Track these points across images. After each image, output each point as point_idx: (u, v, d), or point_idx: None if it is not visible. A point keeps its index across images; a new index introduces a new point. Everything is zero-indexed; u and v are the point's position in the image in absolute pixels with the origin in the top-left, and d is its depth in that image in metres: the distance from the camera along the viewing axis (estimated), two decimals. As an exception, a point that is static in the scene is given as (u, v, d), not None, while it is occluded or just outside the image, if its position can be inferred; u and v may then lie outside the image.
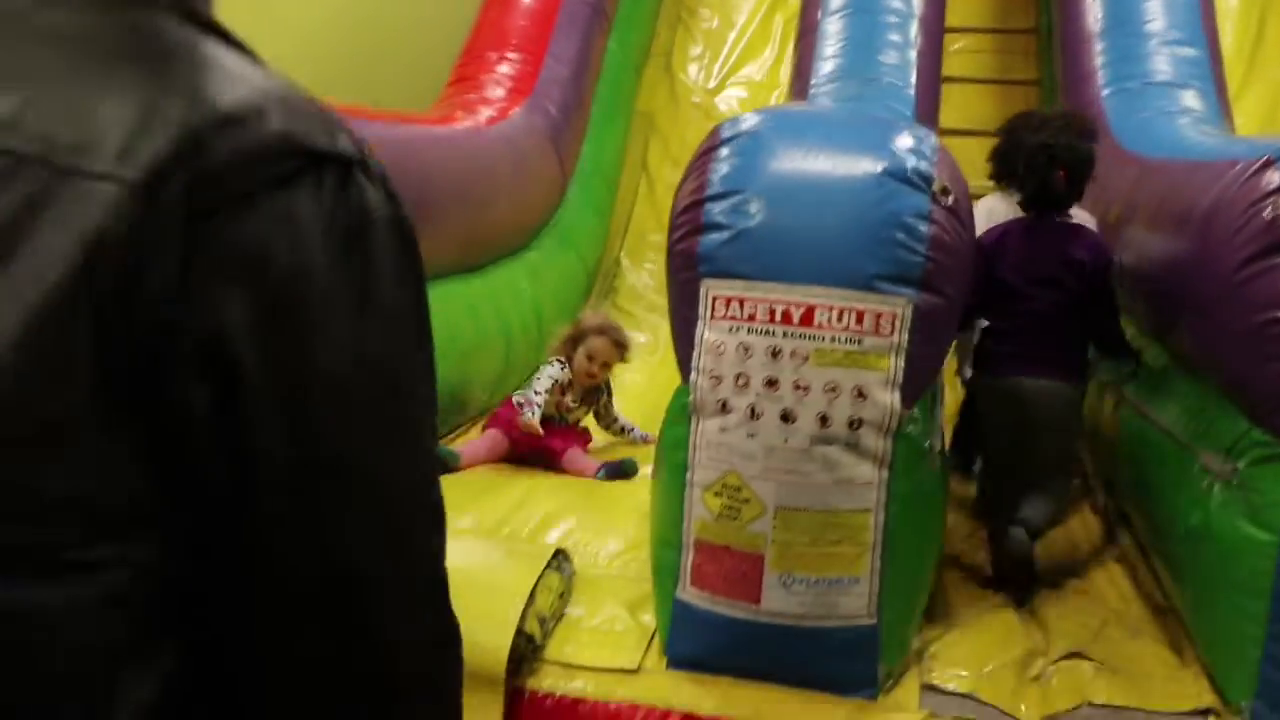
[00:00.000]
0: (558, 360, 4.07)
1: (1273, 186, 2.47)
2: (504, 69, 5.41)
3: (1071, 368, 3.29)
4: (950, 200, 2.43)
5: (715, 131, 2.63)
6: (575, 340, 4.07)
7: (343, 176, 0.79)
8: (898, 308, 2.38)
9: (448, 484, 0.91)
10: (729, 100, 6.36)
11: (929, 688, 2.66)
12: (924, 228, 2.39)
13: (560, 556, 2.86)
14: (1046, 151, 3.21)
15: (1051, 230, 3.30)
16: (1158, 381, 3.33)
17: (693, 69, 6.60)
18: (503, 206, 4.81)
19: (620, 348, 4.11)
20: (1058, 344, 3.24)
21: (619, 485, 3.68)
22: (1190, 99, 4.43)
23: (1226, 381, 2.70)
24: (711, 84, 6.52)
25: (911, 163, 2.43)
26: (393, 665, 0.85)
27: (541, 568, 2.74)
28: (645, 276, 5.68)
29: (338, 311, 0.78)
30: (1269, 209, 2.44)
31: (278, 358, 0.75)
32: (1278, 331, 2.41)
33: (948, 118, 5.40)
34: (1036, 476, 3.23)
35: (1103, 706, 2.60)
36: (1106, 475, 3.91)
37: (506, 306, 4.74)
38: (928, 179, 2.42)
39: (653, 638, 2.72)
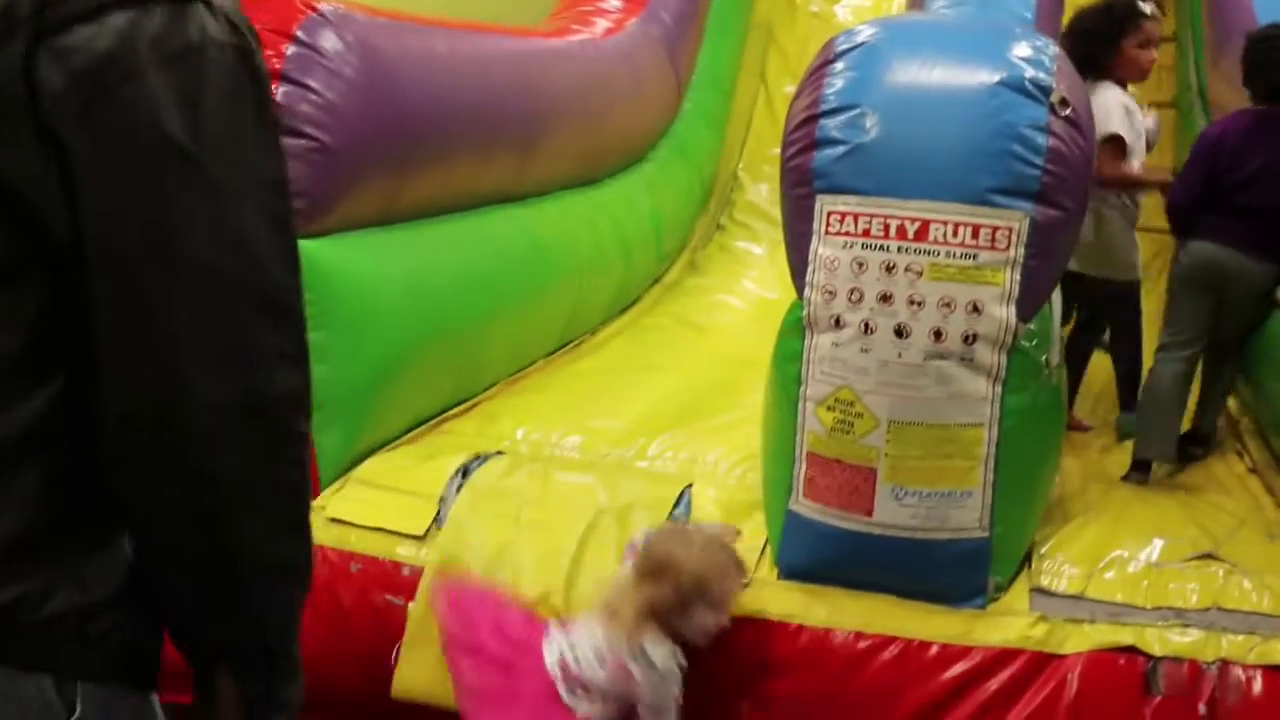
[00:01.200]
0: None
1: None
2: (619, -20, 5.39)
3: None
4: (1069, 111, 2.38)
5: (829, 45, 2.61)
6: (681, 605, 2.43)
7: (182, 6, 0.99)
8: (1014, 222, 2.36)
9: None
10: (847, 10, 6.22)
11: (1039, 590, 2.66)
12: (1041, 139, 2.35)
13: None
14: None
15: None
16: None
17: (810, -23, 6.46)
18: (619, 119, 4.84)
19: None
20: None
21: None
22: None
23: None
24: (829, -7, 6.38)
25: (1029, 73, 2.39)
26: (197, 420, 1.04)
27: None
28: (764, 190, 5.65)
29: (159, 105, 0.98)
30: None
31: (104, 135, 0.97)
32: None
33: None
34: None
35: (1233, 612, 2.56)
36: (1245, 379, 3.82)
37: (624, 219, 4.79)
38: (1046, 90, 2.37)
39: (764, 549, 2.78)
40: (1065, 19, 4.25)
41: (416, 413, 3.32)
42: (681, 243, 5.35)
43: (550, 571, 2.68)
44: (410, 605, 2.71)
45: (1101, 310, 3.83)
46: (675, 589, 2.38)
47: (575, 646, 2.37)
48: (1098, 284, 3.65)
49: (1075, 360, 3.75)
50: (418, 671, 2.67)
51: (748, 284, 4.88)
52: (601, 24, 5.12)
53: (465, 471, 2.96)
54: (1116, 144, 3.57)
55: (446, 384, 3.45)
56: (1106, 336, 3.97)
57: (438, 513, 2.85)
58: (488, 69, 3.80)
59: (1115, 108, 3.60)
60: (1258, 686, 2.44)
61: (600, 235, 4.53)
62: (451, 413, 3.47)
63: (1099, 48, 3.65)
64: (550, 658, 2.37)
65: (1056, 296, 2.80)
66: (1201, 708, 2.44)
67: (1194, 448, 3.65)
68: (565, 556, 2.70)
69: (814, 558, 2.67)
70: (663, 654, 2.37)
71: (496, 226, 3.85)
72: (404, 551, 2.78)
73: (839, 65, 2.51)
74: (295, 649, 1.24)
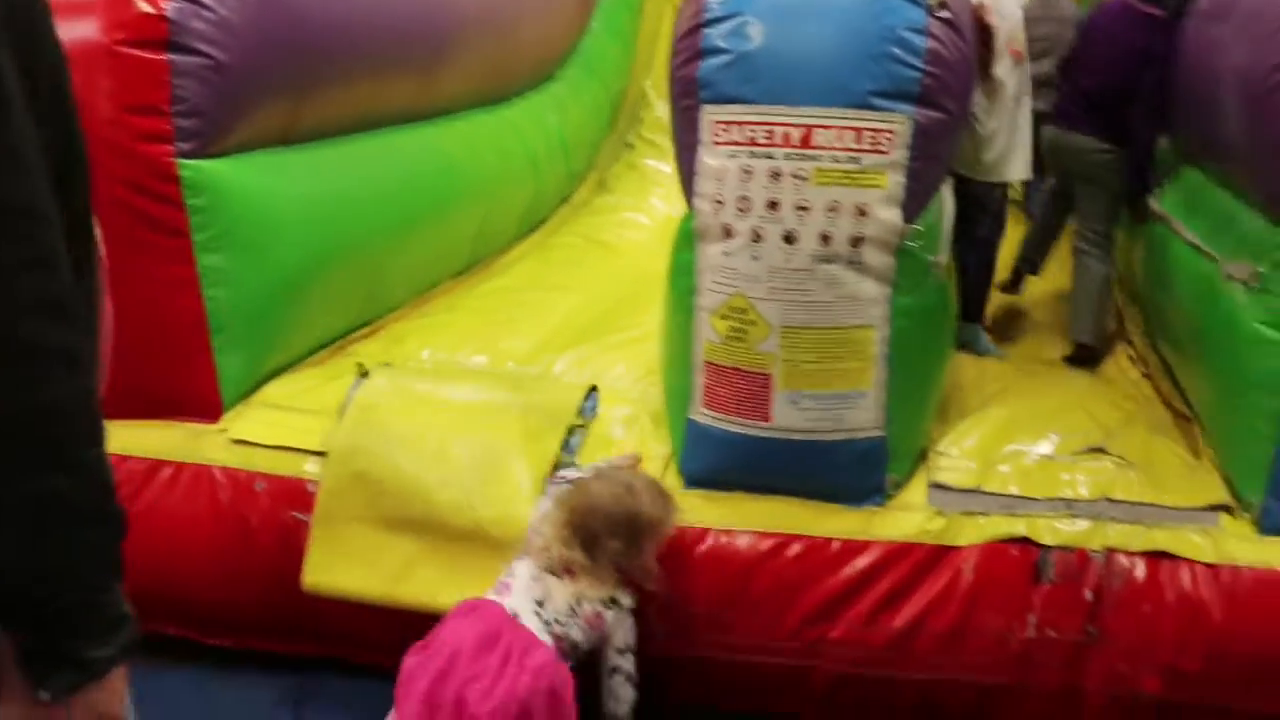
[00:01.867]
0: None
1: None
2: (526, -106, 5.29)
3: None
4: (946, 13, 2.41)
5: (713, -47, 2.59)
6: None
7: None
8: (895, 124, 2.39)
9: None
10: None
11: (937, 486, 2.75)
12: (920, 41, 2.38)
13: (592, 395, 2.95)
14: None
15: None
16: (1188, 199, 3.33)
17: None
18: (526, 36, 4.78)
19: None
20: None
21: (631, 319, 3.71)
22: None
23: (1258, 184, 2.72)
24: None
25: (907, -22, 2.41)
26: None
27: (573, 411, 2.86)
28: (672, 107, 5.63)
29: None
30: None
31: None
32: None
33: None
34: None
35: (1120, 502, 2.68)
36: (1130, 290, 3.94)
37: (532, 138, 4.76)
38: (924, -8, 2.39)
39: (669, 461, 2.82)
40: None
41: (321, 335, 3.31)
42: (590, 162, 5.34)
43: (457, 480, 2.71)
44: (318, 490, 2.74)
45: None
46: (632, 539, 2.46)
47: (544, 605, 2.40)
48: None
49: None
50: (326, 557, 2.70)
51: (655, 201, 4.89)
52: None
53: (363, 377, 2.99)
54: None
55: (352, 305, 3.44)
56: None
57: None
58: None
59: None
60: (1140, 572, 2.56)
61: (508, 154, 4.50)
62: (357, 334, 3.47)
63: None
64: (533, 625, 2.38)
65: (949, 197, 2.86)
66: (1088, 594, 2.55)
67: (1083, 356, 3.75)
68: (472, 463, 2.73)
69: (716, 465, 2.73)
70: (630, 598, 2.49)
71: (402, 145, 3.81)
72: (310, 468, 2.79)
73: (723, -27, 2.50)
74: (99, 597, 1.09)
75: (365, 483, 2.73)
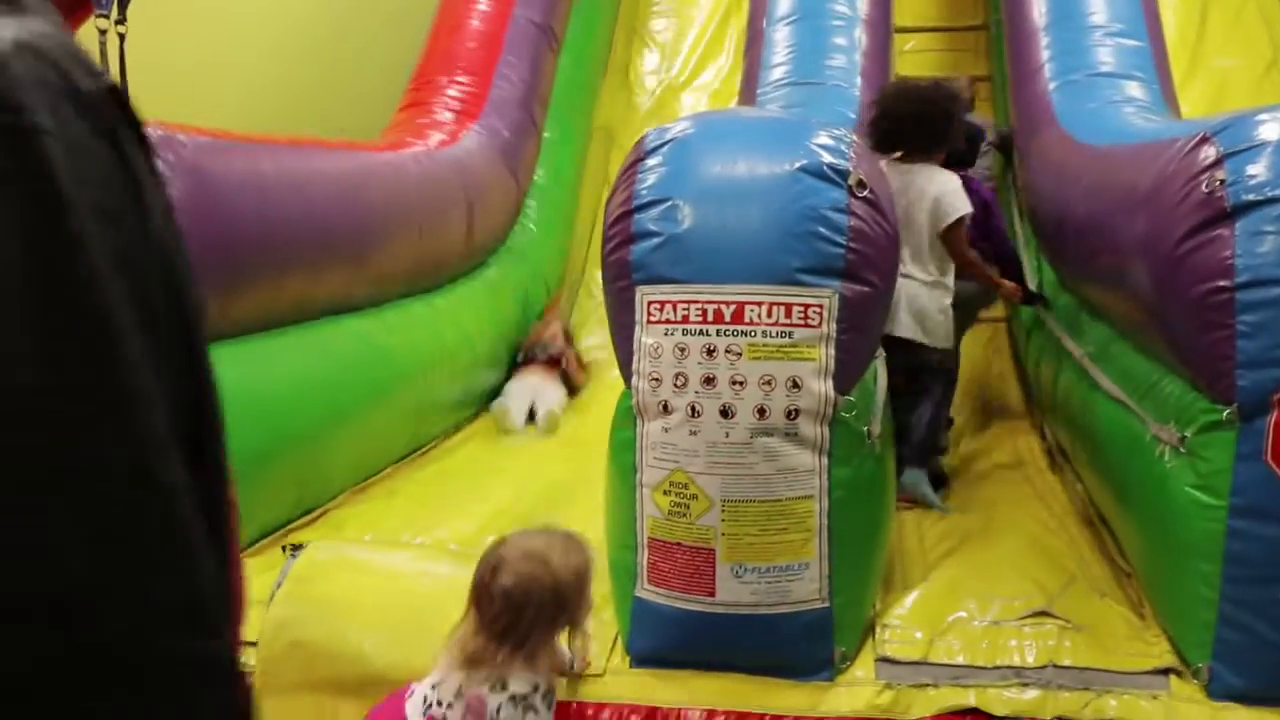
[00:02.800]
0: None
1: (1209, 161, 2.55)
2: (454, 92, 5.52)
3: None
4: (867, 193, 2.52)
5: (641, 142, 2.72)
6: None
7: None
8: (824, 299, 2.47)
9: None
10: (687, 109, 6.46)
11: (884, 659, 2.72)
12: (843, 220, 2.48)
13: None
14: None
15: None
16: (1107, 353, 3.42)
17: (650, 81, 6.71)
18: (456, 228, 4.91)
19: None
20: None
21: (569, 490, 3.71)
22: (1134, 89, 4.53)
23: (1173, 351, 2.78)
24: (669, 93, 6.62)
25: (828, 159, 2.52)
26: None
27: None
28: (612, 289, 5.75)
29: None
30: (1205, 183, 2.53)
31: None
32: (1217, 301, 2.49)
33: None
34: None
35: (1068, 668, 2.67)
36: (1055, 439, 4.01)
37: (468, 324, 4.83)
38: (844, 173, 2.51)
39: (615, 639, 2.79)
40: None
41: (259, 525, 3.28)
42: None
43: (397, 641, 2.66)
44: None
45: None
46: (557, 600, 2.31)
47: (437, 689, 2.27)
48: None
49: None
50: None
51: (600, 386, 4.97)
52: (436, 136, 5.21)
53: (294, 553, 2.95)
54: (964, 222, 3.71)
55: (289, 494, 3.42)
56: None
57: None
58: (316, 186, 3.84)
59: (960, 188, 3.73)
60: (1091, 739, 2.53)
61: (444, 341, 4.55)
62: (297, 523, 3.43)
63: (936, 131, 3.74)
64: (413, 709, 2.27)
65: (881, 368, 2.92)
66: (1042, 760, 2.51)
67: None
68: (413, 624, 2.68)
69: (663, 642, 2.70)
70: (524, 682, 2.27)
71: (334, 336, 3.86)
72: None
73: (651, 161, 2.62)
74: None
75: (302, 650, 2.68)
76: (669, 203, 2.53)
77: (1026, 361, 4.61)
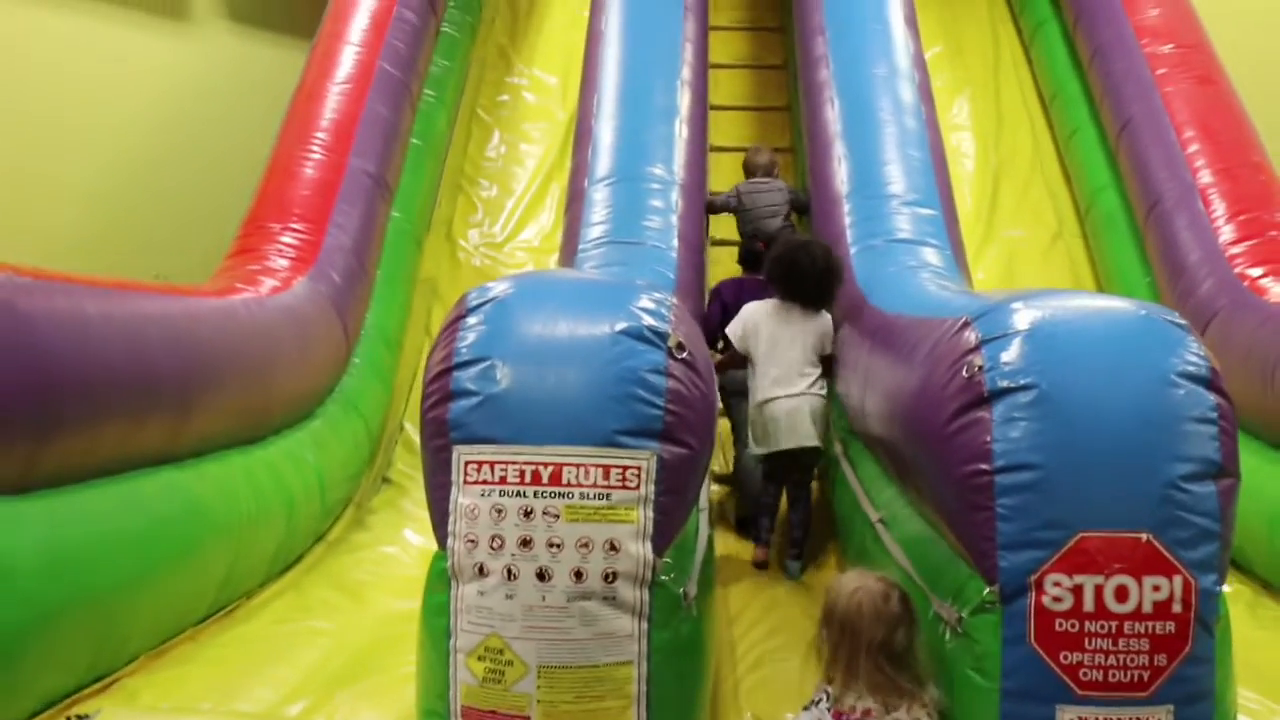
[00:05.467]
0: None
1: (969, 346, 2.68)
2: (287, 239, 5.45)
3: None
4: (686, 355, 2.57)
5: (463, 300, 2.73)
6: None
7: None
8: (641, 461, 2.49)
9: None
10: (508, 264, 6.54)
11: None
12: (661, 382, 2.52)
13: None
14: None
15: None
16: (899, 521, 3.51)
17: (473, 235, 6.78)
18: (284, 377, 4.79)
19: None
20: None
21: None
22: (929, 255, 4.78)
23: (947, 528, 2.84)
24: (492, 249, 6.69)
25: (648, 321, 2.58)
26: None
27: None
28: (431, 441, 5.68)
29: None
30: (965, 367, 2.65)
31: None
32: (978, 483, 2.56)
33: (716, 274, 5.72)
34: None
35: None
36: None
37: (289, 477, 4.67)
38: (663, 336, 2.57)
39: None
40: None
41: (43, 694, 3.05)
42: (347, 497, 5.27)
43: None
44: None
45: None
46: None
47: None
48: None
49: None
50: None
51: (411, 537, 4.86)
52: (269, 283, 5.11)
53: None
54: None
55: (82, 659, 3.20)
56: None
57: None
58: (142, 330, 3.70)
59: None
60: None
61: (263, 495, 4.39)
62: (87, 690, 3.21)
63: (833, 283, 4.58)
64: None
65: (703, 523, 2.94)
66: None
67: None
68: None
69: (476, 815, 2.59)
70: None
71: (148, 489, 3.68)
72: None
73: (471, 319, 2.63)
74: None
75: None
76: (488, 362, 2.54)
77: (836, 506, 4.71)
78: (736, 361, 4.69)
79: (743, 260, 5.49)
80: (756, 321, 4.62)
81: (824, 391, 4.61)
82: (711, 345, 4.75)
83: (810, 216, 5.73)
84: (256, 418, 4.58)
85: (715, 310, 5.15)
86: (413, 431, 5.80)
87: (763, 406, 4.55)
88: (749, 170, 5.99)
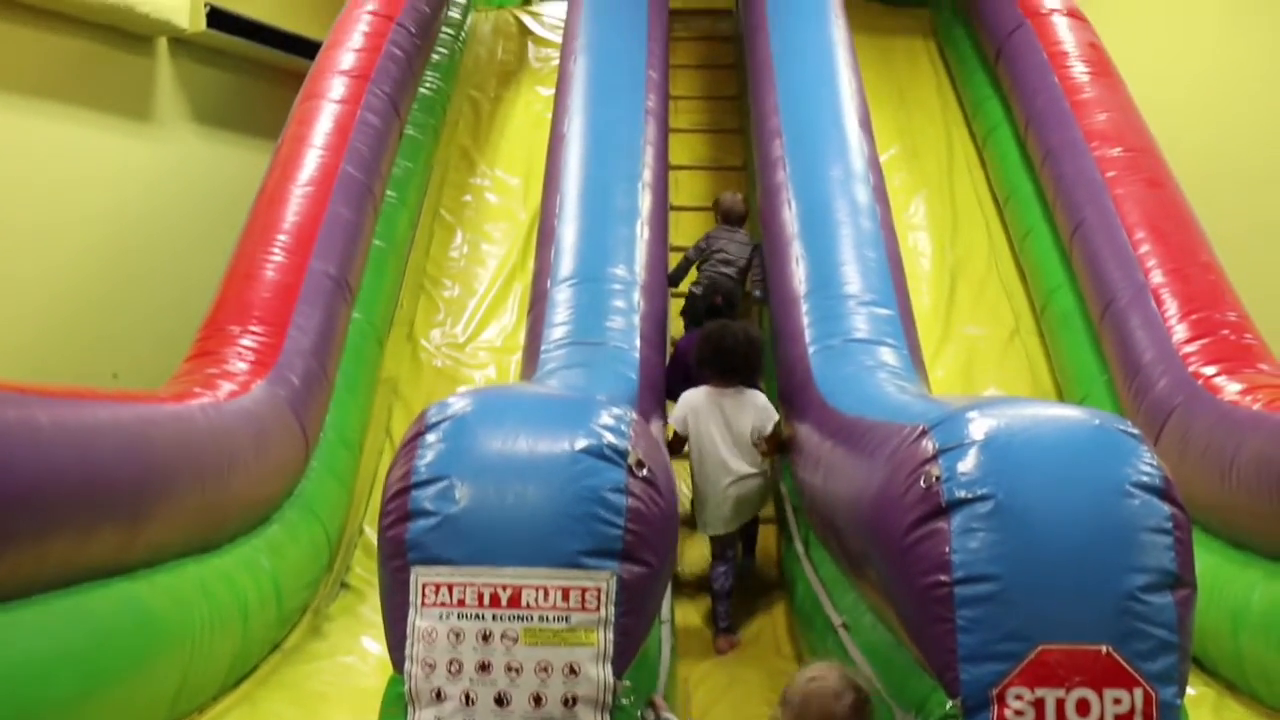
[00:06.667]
0: None
1: (927, 455, 2.70)
2: (246, 342, 5.41)
3: None
4: (646, 471, 2.57)
5: (422, 416, 2.72)
6: None
7: None
8: (601, 582, 2.48)
9: None
10: (470, 365, 6.54)
11: None
12: (621, 500, 2.52)
13: None
14: None
15: None
16: (862, 628, 3.50)
17: (436, 335, 6.79)
18: (240, 483, 4.73)
19: None
20: None
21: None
22: (887, 355, 4.82)
23: (908, 638, 2.83)
24: (454, 349, 6.70)
25: (608, 438, 2.58)
26: None
27: None
28: (390, 544, 5.61)
29: None
30: (923, 477, 2.66)
31: None
32: (938, 595, 2.57)
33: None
34: None
35: None
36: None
37: (244, 585, 4.60)
38: (623, 453, 2.57)
39: None
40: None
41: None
42: (305, 604, 5.18)
43: None
44: None
45: None
46: None
47: None
48: None
49: None
50: None
51: (368, 643, 4.78)
52: (226, 386, 5.07)
53: None
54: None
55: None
56: None
57: None
58: (95, 439, 3.65)
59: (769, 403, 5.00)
60: None
61: (217, 605, 4.31)
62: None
63: (757, 369, 5.04)
64: None
65: (666, 636, 2.92)
66: None
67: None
68: None
69: None
70: None
71: (97, 602, 3.60)
72: None
73: (430, 437, 2.62)
74: None
75: None
76: (446, 481, 2.53)
77: (797, 603, 4.69)
78: (679, 447, 4.97)
79: (700, 315, 5.80)
80: (695, 408, 4.93)
81: (762, 470, 4.93)
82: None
83: (767, 300, 5.96)
84: (211, 525, 4.52)
85: (677, 371, 5.45)
86: (372, 535, 5.74)
87: (704, 492, 4.91)
88: (725, 214, 6.46)
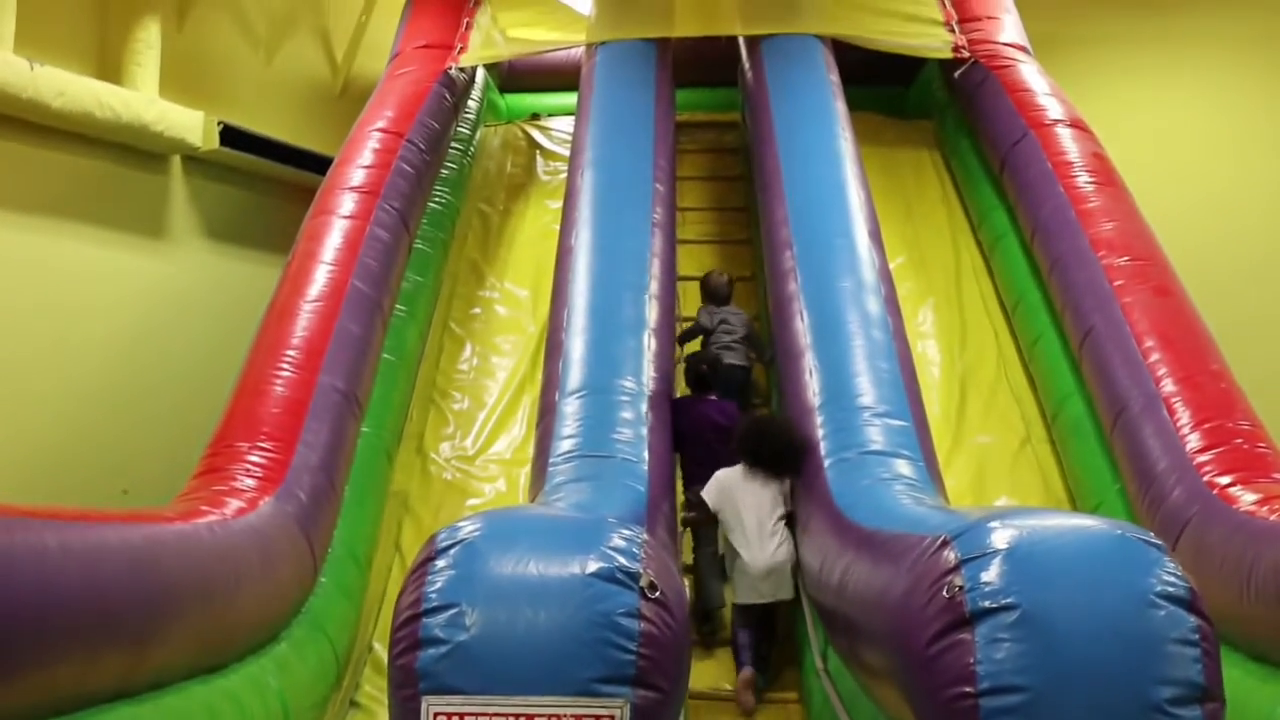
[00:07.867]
0: None
1: (949, 565, 2.67)
2: (255, 458, 5.40)
3: None
4: (658, 594, 2.53)
5: (431, 541, 2.70)
6: None
7: None
8: (614, 709, 2.43)
9: None
10: (480, 477, 6.51)
11: None
12: (634, 625, 2.48)
13: None
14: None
15: None
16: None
17: (445, 448, 6.77)
18: (247, 602, 4.68)
19: None
20: None
21: None
22: (902, 466, 4.79)
23: None
24: (464, 462, 6.68)
25: (619, 561, 2.55)
26: None
27: None
28: (401, 661, 5.53)
29: None
30: (945, 588, 2.63)
31: None
32: (963, 707, 2.52)
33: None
34: None
35: None
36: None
37: (251, 706, 4.52)
38: (635, 576, 2.54)
39: None
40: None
41: None
42: (315, 723, 5.09)
43: None
44: None
45: None
46: None
47: None
48: None
49: None
50: None
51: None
52: (234, 503, 5.04)
53: None
54: None
55: None
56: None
57: None
58: (102, 562, 3.62)
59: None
60: None
61: (225, 727, 4.24)
62: None
63: (797, 458, 5.23)
64: None
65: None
66: None
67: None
68: None
69: None
70: None
71: (101, 728, 3.54)
72: None
73: (440, 562, 2.59)
74: None
75: None
76: (457, 608, 2.50)
77: (814, 715, 4.58)
78: (705, 519, 5.48)
79: (693, 383, 6.13)
80: (729, 488, 5.34)
81: (791, 545, 5.23)
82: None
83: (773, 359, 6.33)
84: (218, 645, 4.46)
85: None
86: (382, 651, 5.66)
87: (745, 566, 5.22)
88: (713, 295, 6.89)
